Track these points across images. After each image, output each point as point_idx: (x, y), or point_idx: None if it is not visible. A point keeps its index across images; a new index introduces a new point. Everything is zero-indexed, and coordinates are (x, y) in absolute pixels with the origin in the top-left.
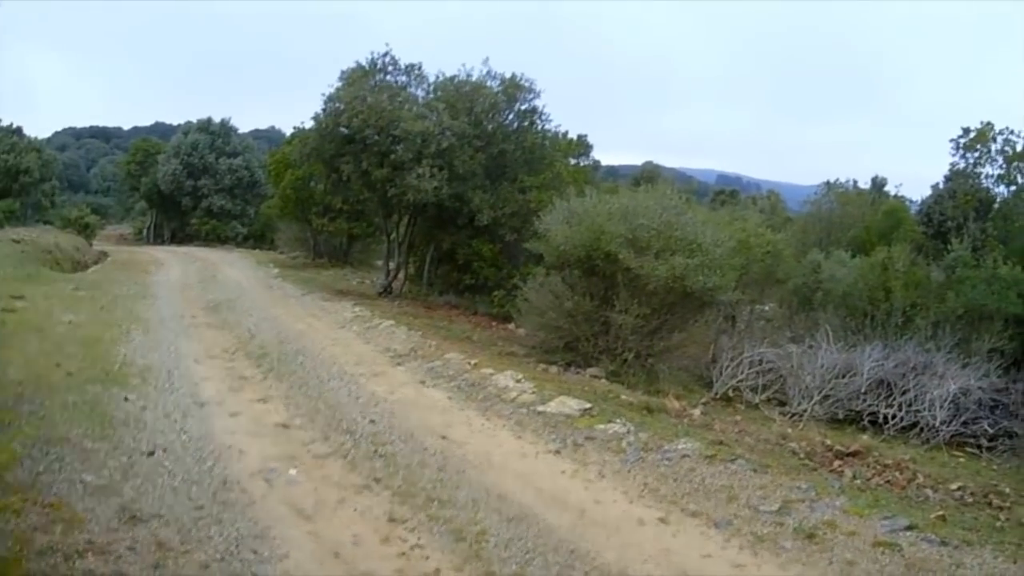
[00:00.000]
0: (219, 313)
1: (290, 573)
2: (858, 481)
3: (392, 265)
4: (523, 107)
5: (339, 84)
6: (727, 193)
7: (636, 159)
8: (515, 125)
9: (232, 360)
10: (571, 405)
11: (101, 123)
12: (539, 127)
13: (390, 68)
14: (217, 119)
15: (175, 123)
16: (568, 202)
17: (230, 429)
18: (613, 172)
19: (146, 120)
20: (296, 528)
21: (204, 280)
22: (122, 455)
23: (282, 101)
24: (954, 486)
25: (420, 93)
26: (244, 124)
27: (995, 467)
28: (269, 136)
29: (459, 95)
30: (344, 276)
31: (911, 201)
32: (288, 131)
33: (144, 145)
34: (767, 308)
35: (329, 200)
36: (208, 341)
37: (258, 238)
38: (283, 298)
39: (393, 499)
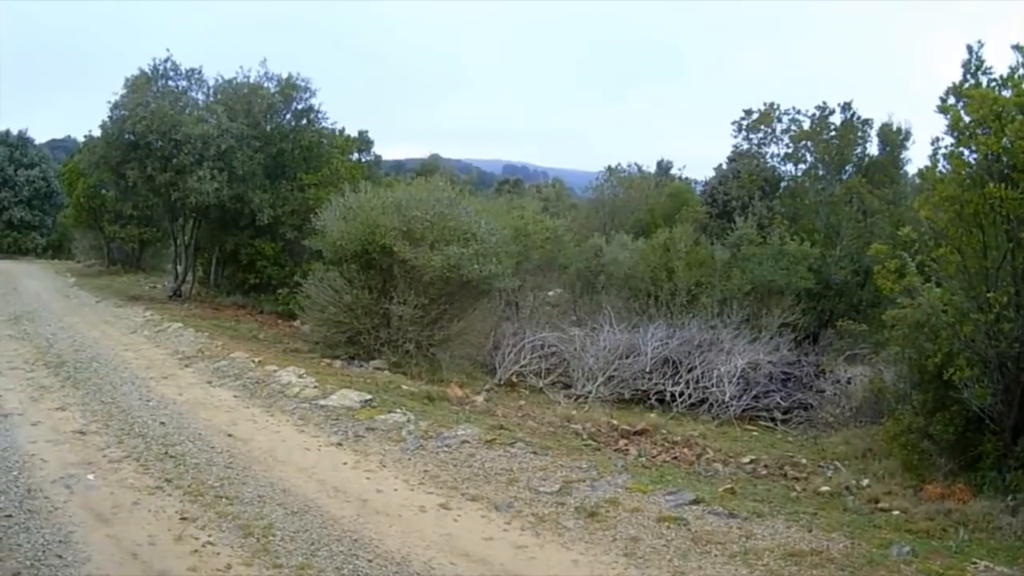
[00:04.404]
0: (20, 324)
1: None
2: (643, 459)
3: (180, 268)
4: (299, 106)
5: (123, 91)
6: (511, 182)
7: (423, 152)
8: (292, 124)
9: (32, 370)
10: (352, 397)
11: None
12: (316, 125)
13: (171, 73)
14: (14, 131)
15: None
16: (344, 197)
17: (32, 438)
18: (400, 166)
19: None
20: (96, 532)
21: (5, 293)
22: None
23: (77, 109)
24: (746, 459)
25: (200, 97)
26: (41, 134)
27: (791, 439)
28: (65, 145)
29: (237, 97)
30: (137, 282)
31: (696, 182)
32: (82, 139)
33: None
34: (552, 294)
35: (120, 207)
36: (9, 353)
37: (56, 248)
38: (79, 306)
39: (184, 498)
